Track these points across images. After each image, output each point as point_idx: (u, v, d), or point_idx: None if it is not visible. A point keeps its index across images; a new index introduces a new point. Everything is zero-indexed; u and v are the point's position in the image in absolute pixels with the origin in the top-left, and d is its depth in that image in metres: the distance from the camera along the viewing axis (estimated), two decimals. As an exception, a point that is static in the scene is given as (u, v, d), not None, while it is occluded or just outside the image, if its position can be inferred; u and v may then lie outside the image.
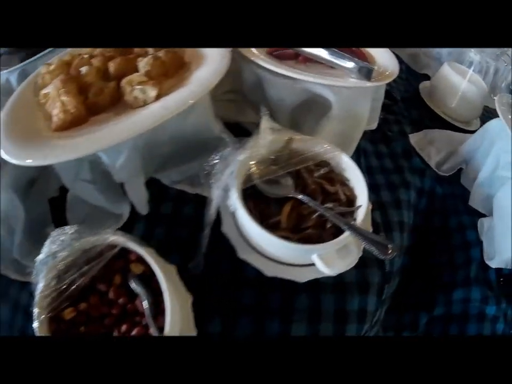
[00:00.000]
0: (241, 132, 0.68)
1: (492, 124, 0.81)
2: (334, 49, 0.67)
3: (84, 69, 0.57)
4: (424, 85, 1.08)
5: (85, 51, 0.62)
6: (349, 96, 0.65)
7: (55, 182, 0.59)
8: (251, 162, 0.53)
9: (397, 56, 1.16)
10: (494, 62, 1.03)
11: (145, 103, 0.54)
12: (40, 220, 0.58)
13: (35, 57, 0.67)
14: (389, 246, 0.44)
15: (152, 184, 0.62)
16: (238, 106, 0.75)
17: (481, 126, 0.99)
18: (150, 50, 0.62)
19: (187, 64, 0.63)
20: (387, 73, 0.69)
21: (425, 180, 0.82)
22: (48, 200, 0.60)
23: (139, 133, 0.47)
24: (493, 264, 0.73)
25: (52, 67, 0.58)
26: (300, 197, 0.50)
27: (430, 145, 0.89)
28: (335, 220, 0.46)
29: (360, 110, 0.69)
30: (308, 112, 0.69)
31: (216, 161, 0.51)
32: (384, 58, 0.75)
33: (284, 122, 0.68)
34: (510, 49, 1.03)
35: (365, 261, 0.56)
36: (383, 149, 0.83)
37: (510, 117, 0.76)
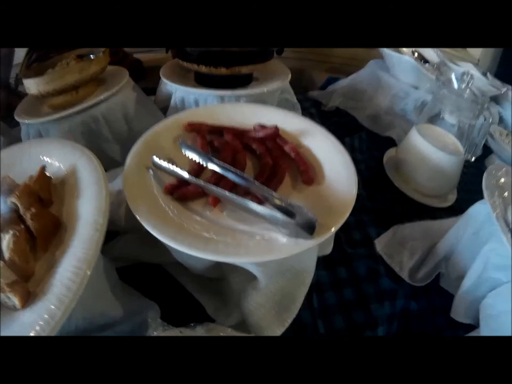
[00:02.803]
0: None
1: (476, 208, 0.65)
2: (254, 182, 0.52)
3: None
4: (389, 156, 0.92)
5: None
6: (281, 263, 0.49)
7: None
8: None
9: (355, 120, 1.04)
10: (474, 120, 0.87)
11: (16, 309, 0.41)
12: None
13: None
14: None
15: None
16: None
17: (457, 198, 0.87)
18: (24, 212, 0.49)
19: (63, 225, 0.49)
20: (339, 198, 0.53)
21: (397, 302, 0.66)
22: None
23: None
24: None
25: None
26: None
27: (401, 248, 0.74)
28: None
29: (302, 267, 0.53)
30: (231, 269, 0.54)
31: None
32: (333, 163, 0.60)
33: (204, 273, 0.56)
34: (492, 104, 0.89)
35: None
36: (342, 274, 0.67)
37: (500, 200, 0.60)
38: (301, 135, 0.66)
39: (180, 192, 0.53)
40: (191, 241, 0.45)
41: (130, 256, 0.60)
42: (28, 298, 0.41)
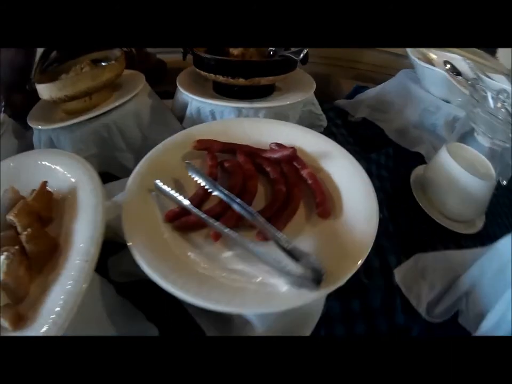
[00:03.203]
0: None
1: (504, 243, 0.59)
2: (259, 217, 0.48)
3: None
4: (416, 174, 0.86)
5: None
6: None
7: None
8: None
9: (382, 133, 0.98)
10: (508, 143, 0.80)
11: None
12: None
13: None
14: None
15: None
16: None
17: (485, 223, 0.80)
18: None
19: (59, 248, 0.47)
20: (356, 239, 0.48)
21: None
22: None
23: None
24: None
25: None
26: None
27: (421, 280, 0.68)
28: None
29: (308, 309, 0.50)
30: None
31: None
32: (354, 194, 0.55)
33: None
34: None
35: None
36: (355, 306, 0.63)
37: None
38: (321, 158, 0.61)
39: (181, 221, 0.49)
40: (183, 281, 0.42)
41: (135, 272, 0.57)
42: (19, 321, 0.40)
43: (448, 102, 0.92)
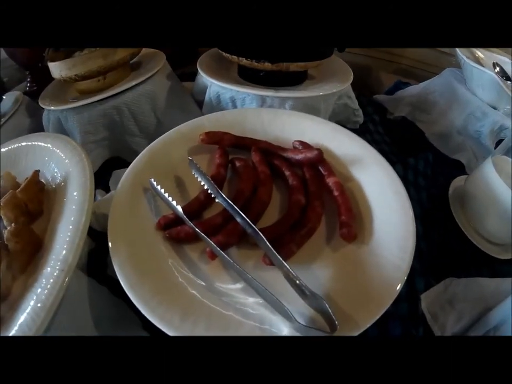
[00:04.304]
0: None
1: None
2: (264, 240, 0.40)
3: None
4: (455, 185, 0.77)
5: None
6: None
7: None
8: None
9: (422, 135, 0.88)
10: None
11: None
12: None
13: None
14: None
15: None
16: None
17: None
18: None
19: (43, 247, 0.44)
20: (384, 273, 0.40)
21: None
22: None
23: None
24: None
25: None
26: None
27: (449, 308, 0.61)
28: None
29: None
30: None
31: None
32: (387, 214, 0.46)
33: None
34: None
35: None
36: (372, 335, 0.55)
37: None
38: (352, 163, 0.53)
39: (174, 231, 0.43)
40: (165, 309, 0.36)
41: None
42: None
43: (495, 108, 0.82)
